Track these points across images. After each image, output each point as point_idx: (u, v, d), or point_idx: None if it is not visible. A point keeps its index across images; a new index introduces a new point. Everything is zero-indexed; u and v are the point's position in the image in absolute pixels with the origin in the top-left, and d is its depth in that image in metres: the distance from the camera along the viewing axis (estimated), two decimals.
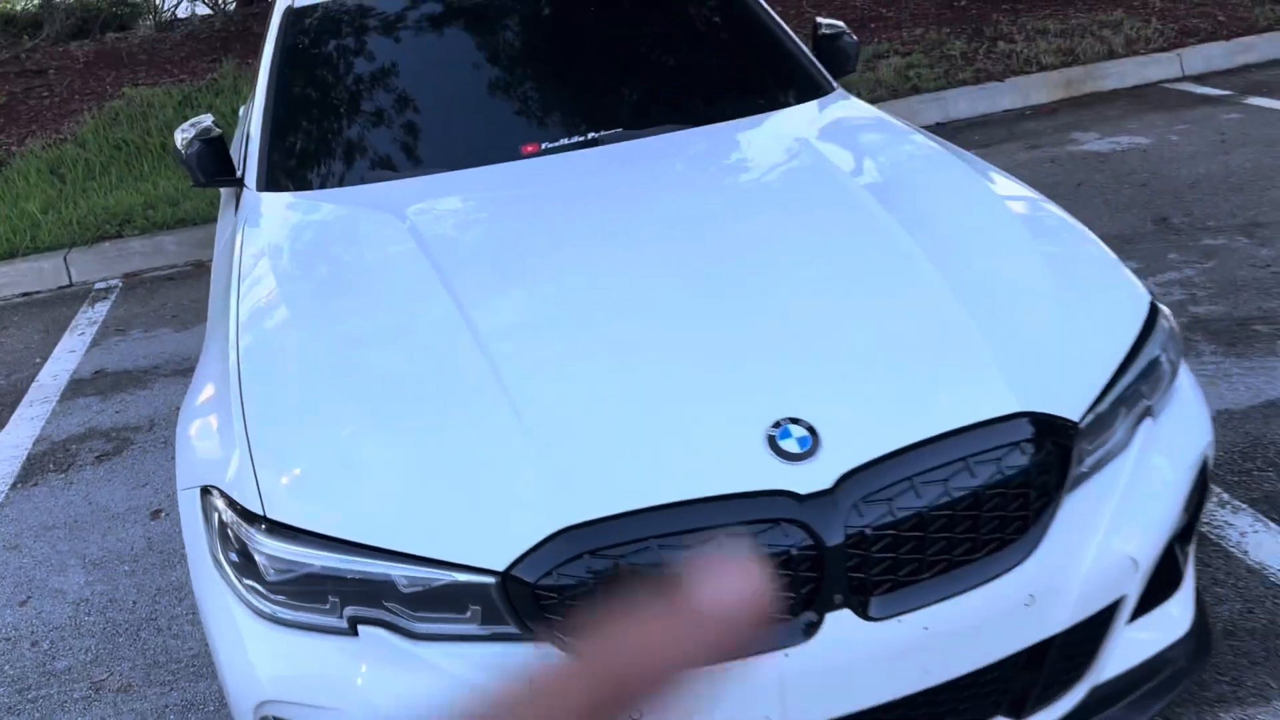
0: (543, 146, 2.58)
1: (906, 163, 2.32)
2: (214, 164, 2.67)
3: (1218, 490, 2.54)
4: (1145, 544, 1.68)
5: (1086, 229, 2.11)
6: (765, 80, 2.83)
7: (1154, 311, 1.90)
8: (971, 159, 2.39)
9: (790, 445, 1.57)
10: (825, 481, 1.54)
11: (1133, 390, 1.76)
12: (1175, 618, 1.86)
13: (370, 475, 1.60)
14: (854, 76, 5.97)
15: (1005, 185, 2.26)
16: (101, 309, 4.99)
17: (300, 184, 2.60)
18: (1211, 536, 2.41)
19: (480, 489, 1.55)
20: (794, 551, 1.52)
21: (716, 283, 1.88)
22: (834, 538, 1.52)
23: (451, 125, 2.72)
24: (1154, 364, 1.82)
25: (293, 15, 3.01)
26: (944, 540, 1.58)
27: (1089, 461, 1.71)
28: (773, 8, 4.46)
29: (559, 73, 2.81)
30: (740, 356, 1.71)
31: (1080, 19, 6.95)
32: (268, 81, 2.84)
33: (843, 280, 1.87)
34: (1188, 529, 1.85)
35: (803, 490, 1.54)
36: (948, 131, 5.75)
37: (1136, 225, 4.11)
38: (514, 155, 2.55)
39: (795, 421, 1.60)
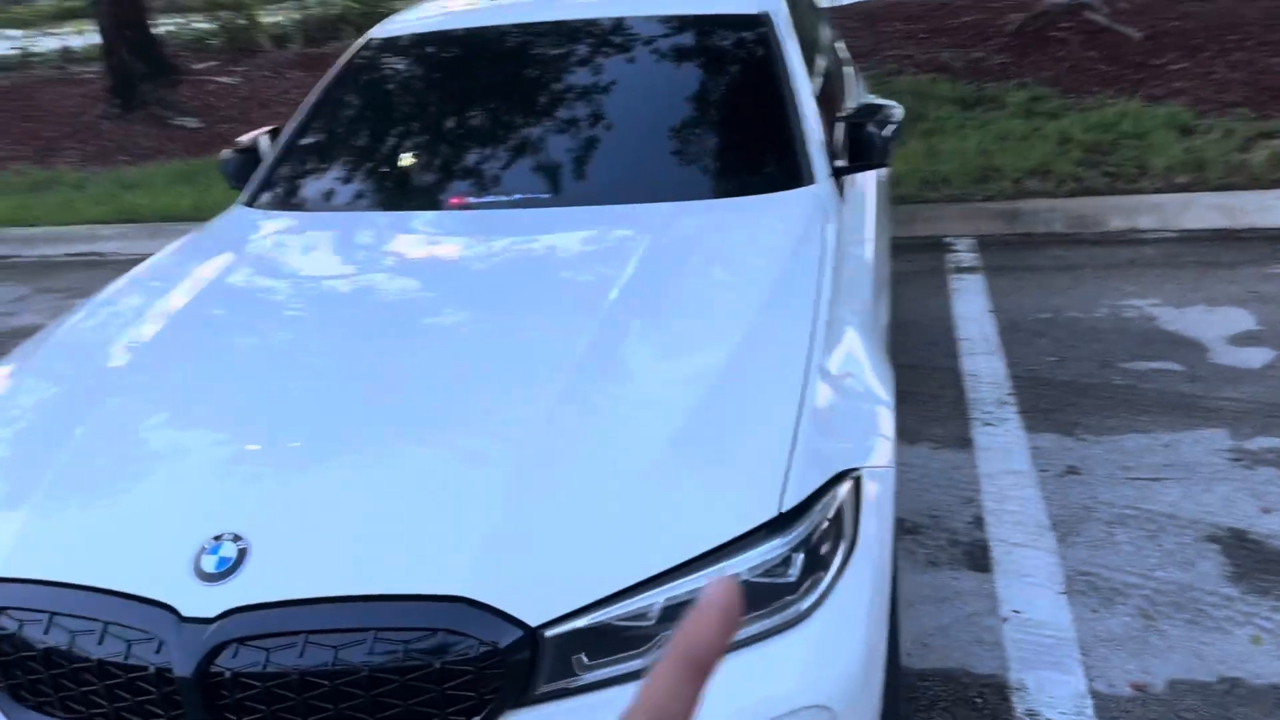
0: (467, 201, 2.67)
1: (718, 287, 2.15)
2: None
3: None
4: None
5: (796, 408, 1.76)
6: (728, 163, 2.78)
7: (787, 520, 1.59)
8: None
9: (209, 562, 1.53)
10: (211, 610, 1.49)
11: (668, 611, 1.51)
12: None
13: None
14: None
15: (849, 339, 2.03)
16: None
17: (275, 203, 2.79)
18: None
19: None
20: (151, 670, 1.50)
21: (371, 408, 1.84)
22: (184, 669, 1.48)
23: (412, 168, 2.88)
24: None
25: (361, 48, 3.24)
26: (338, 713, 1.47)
27: (587, 678, 1.51)
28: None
29: (538, 131, 2.86)
30: (274, 471, 1.72)
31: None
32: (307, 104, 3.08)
33: (450, 422, 1.79)
34: None
35: (186, 611, 1.50)
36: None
37: None
38: (437, 205, 2.70)
39: (236, 539, 1.55)
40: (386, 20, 3.38)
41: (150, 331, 2.18)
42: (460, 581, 1.50)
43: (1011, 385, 3.79)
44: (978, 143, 6.32)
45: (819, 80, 3.37)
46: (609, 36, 3.03)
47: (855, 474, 1.76)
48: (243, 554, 1.55)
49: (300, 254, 2.57)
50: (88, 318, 2.35)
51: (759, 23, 3.00)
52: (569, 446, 1.69)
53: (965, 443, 3.40)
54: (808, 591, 1.63)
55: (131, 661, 1.52)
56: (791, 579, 1.62)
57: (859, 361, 2.04)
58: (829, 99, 3.43)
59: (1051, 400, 3.65)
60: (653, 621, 1.54)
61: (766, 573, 1.60)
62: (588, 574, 1.53)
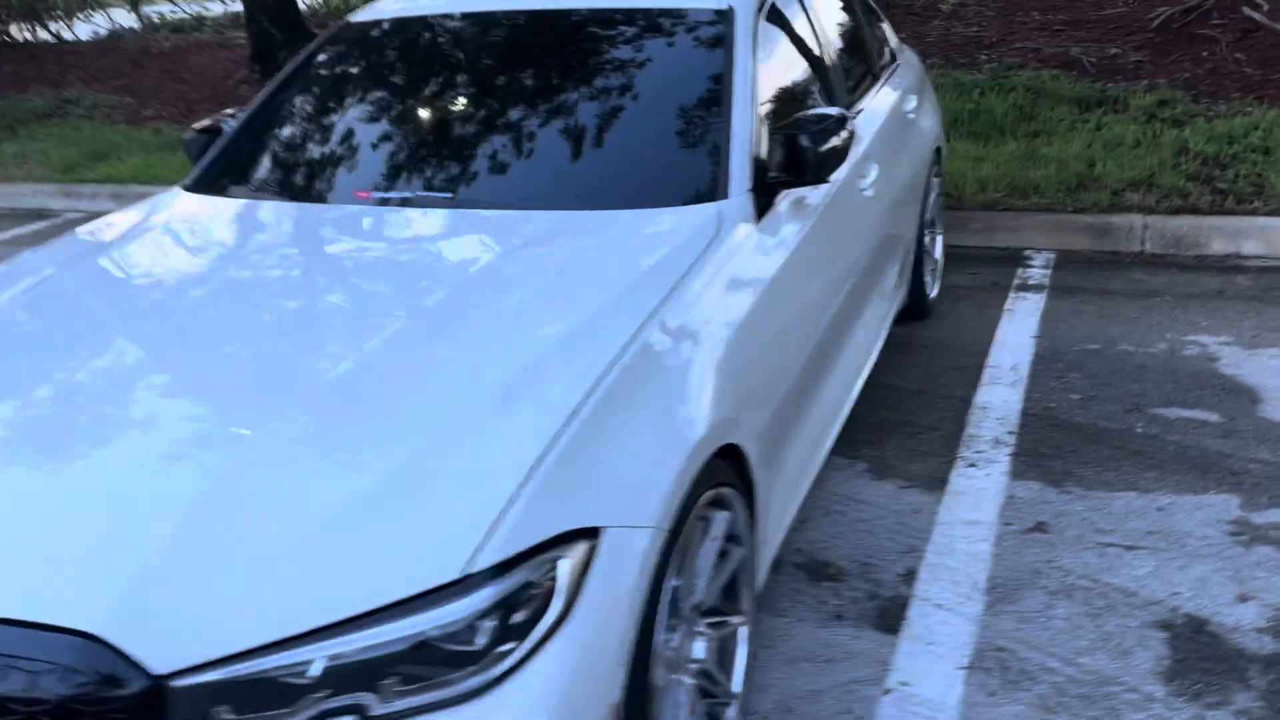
0: (372, 195, 2.60)
1: (534, 310, 2.02)
2: None
3: None
4: None
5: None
6: (636, 172, 2.58)
7: (476, 582, 1.46)
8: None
9: None
10: None
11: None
12: None
13: None
14: None
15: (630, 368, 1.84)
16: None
17: (202, 187, 2.84)
18: None
19: None
20: None
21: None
22: None
23: (333, 157, 2.84)
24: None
25: (327, 37, 3.25)
26: None
27: None
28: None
29: (457, 129, 2.77)
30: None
31: None
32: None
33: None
34: None
35: None
36: None
37: None
38: (347, 199, 2.63)
39: None
40: (366, 7, 3.35)
41: None
42: (93, 617, 1.44)
43: (1018, 423, 3.46)
44: (1082, 148, 5.82)
45: (809, 78, 3.15)
46: (554, 29, 2.90)
47: (594, 534, 1.60)
48: None
49: (165, 241, 2.59)
50: None
51: (718, 20, 2.80)
52: (265, 480, 1.61)
53: (937, 484, 3.12)
54: (492, 664, 1.50)
55: None
56: (476, 648, 1.49)
57: (668, 404, 1.86)
58: (830, 97, 3.19)
59: (1054, 445, 3.31)
60: (311, 679, 1.44)
61: (449, 637, 1.48)
62: (238, 622, 1.44)
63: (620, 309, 1.99)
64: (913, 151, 3.91)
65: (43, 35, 12.12)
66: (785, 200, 2.61)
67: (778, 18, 3.09)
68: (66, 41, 12.11)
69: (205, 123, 3.14)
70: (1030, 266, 5.02)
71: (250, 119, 3.04)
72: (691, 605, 1.98)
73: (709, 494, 1.94)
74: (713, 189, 2.44)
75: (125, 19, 12.81)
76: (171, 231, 2.63)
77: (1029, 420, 3.48)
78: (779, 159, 2.54)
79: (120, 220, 2.75)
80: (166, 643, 1.43)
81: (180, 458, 1.70)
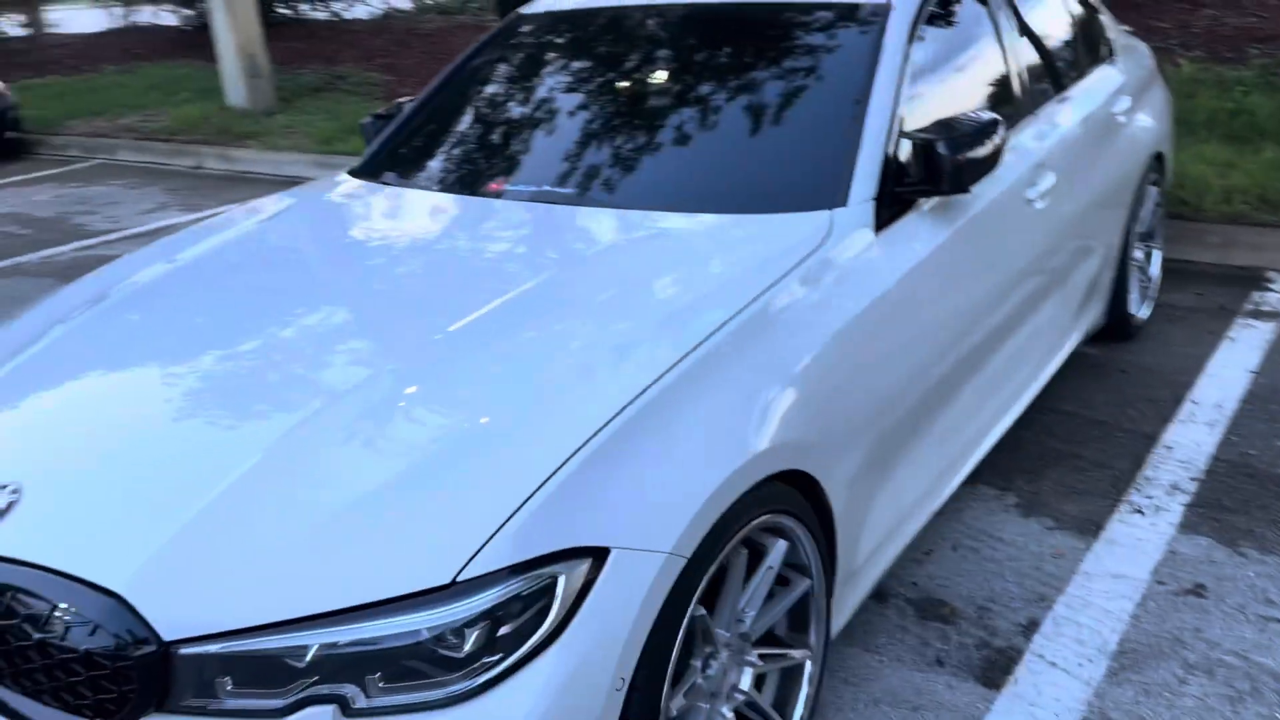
0: (504, 189, 2.61)
1: (599, 313, 1.97)
2: None
3: None
4: None
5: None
6: (759, 175, 2.46)
7: (463, 589, 1.46)
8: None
9: None
10: None
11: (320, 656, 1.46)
12: None
13: None
14: None
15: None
16: None
17: (366, 173, 2.98)
18: None
19: None
20: None
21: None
22: None
23: (475, 150, 2.89)
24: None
25: (499, 28, 3.33)
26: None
27: (230, 704, 1.48)
28: None
29: (594, 126, 2.76)
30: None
31: None
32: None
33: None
34: None
35: None
36: None
37: None
38: (481, 190, 2.66)
39: (5, 488, 1.70)
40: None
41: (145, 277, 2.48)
42: (122, 579, 1.54)
43: (1205, 469, 3.09)
44: None
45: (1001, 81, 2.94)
46: (701, 23, 2.83)
47: (603, 553, 1.55)
48: (10, 506, 1.70)
49: (310, 220, 2.74)
50: (148, 249, 2.69)
51: (873, 16, 2.64)
52: (305, 461, 1.67)
53: (1091, 529, 2.84)
54: (476, 673, 1.48)
55: None
56: (460, 655, 1.48)
57: (716, 423, 1.77)
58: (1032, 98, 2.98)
59: (1241, 498, 2.93)
60: (303, 663, 1.49)
61: (435, 640, 1.48)
62: (246, 600, 1.50)
63: (688, 319, 1.92)
64: (1118, 157, 3.56)
65: (325, 15, 13.16)
66: (919, 210, 2.44)
67: (948, 14, 2.88)
68: (345, 20, 13.10)
69: (381, 110, 3.30)
70: (1269, 290, 4.47)
71: (414, 110, 3.16)
72: (738, 634, 1.90)
73: (762, 520, 1.85)
74: (831, 195, 2.31)
75: (399, 0, 13.71)
76: (319, 211, 2.78)
77: (1219, 467, 3.10)
78: (917, 166, 2.37)
79: (287, 198, 2.93)
80: (179, 611, 1.51)
81: (247, 427, 1.80)
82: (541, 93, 2.97)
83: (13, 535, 1.65)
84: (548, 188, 2.57)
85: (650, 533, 1.60)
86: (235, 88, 10.06)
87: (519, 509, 1.54)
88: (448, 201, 2.66)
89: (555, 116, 2.84)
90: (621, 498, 1.61)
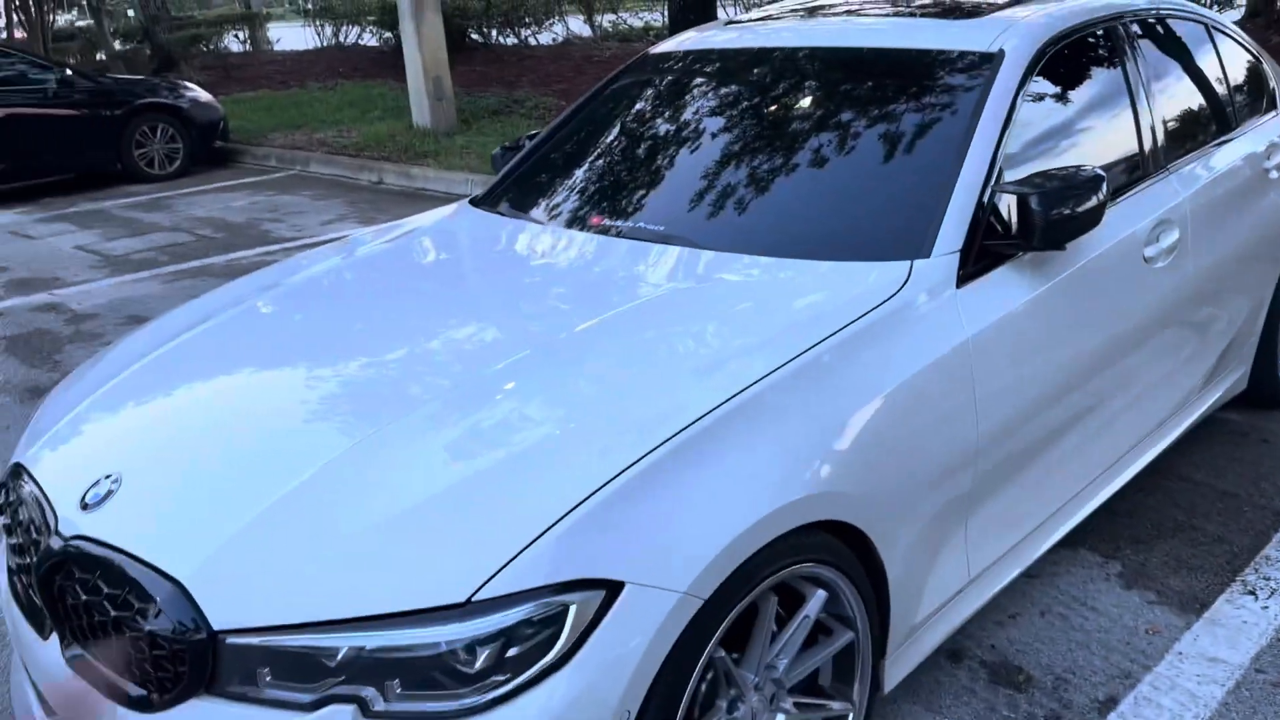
0: (604, 223, 2.71)
1: (655, 352, 2.03)
2: None
3: None
4: None
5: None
6: (846, 221, 2.45)
7: (476, 609, 1.55)
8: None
9: (90, 494, 1.91)
10: (66, 530, 1.87)
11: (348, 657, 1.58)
12: None
13: None
14: None
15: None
16: None
17: (487, 203, 3.13)
18: None
19: None
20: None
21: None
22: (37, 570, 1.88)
23: (581, 185, 2.99)
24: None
25: (625, 66, 3.45)
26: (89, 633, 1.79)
27: (269, 694, 1.60)
28: None
29: (691, 165, 2.81)
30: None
31: None
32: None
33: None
34: None
35: (61, 528, 1.89)
36: None
37: None
38: (576, 224, 2.76)
39: (109, 477, 1.92)
40: (671, 38, 3.48)
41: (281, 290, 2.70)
42: (187, 568, 1.70)
43: None
44: None
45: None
46: (815, 70, 2.84)
47: (617, 586, 1.60)
48: (109, 494, 1.90)
49: (423, 244, 2.89)
50: (300, 258, 2.94)
51: (981, 64, 2.60)
52: (364, 467, 1.79)
53: (1195, 607, 2.69)
54: (483, 690, 1.56)
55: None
56: (472, 670, 1.56)
57: (750, 468, 1.79)
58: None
59: None
60: (333, 663, 1.60)
61: (451, 655, 1.57)
62: (289, 598, 1.63)
63: (738, 363, 1.95)
64: (1266, 215, 3.35)
65: (511, 40, 13.71)
66: (1013, 264, 2.38)
67: (1070, 62, 2.80)
68: (528, 46, 13.61)
69: (509, 142, 3.46)
70: None
71: (534, 146, 3.30)
72: (770, 679, 1.91)
73: (799, 568, 1.86)
74: (914, 245, 2.28)
75: (581, 28, 14.14)
76: (435, 236, 2.95)
77: None
78: (1010, 219, 2.32)
79: (413, 222, 3.12)
80: (230, 604, 1.65)
81: (323, 432, 1.94)
82: (646, 133, 3.05)
83: (107, 521, 1.84)
84: (642, 224, 2.64)
85: (667, 571, 1.64)
86: (420, 108, 10.62)
87: (541, 535, 1.61)
88: (542, 232, 2.77)
89: (655, 157, 2.92)
90: (643, 533, 1.66)
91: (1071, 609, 2.72)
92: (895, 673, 2.18)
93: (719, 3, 10.31)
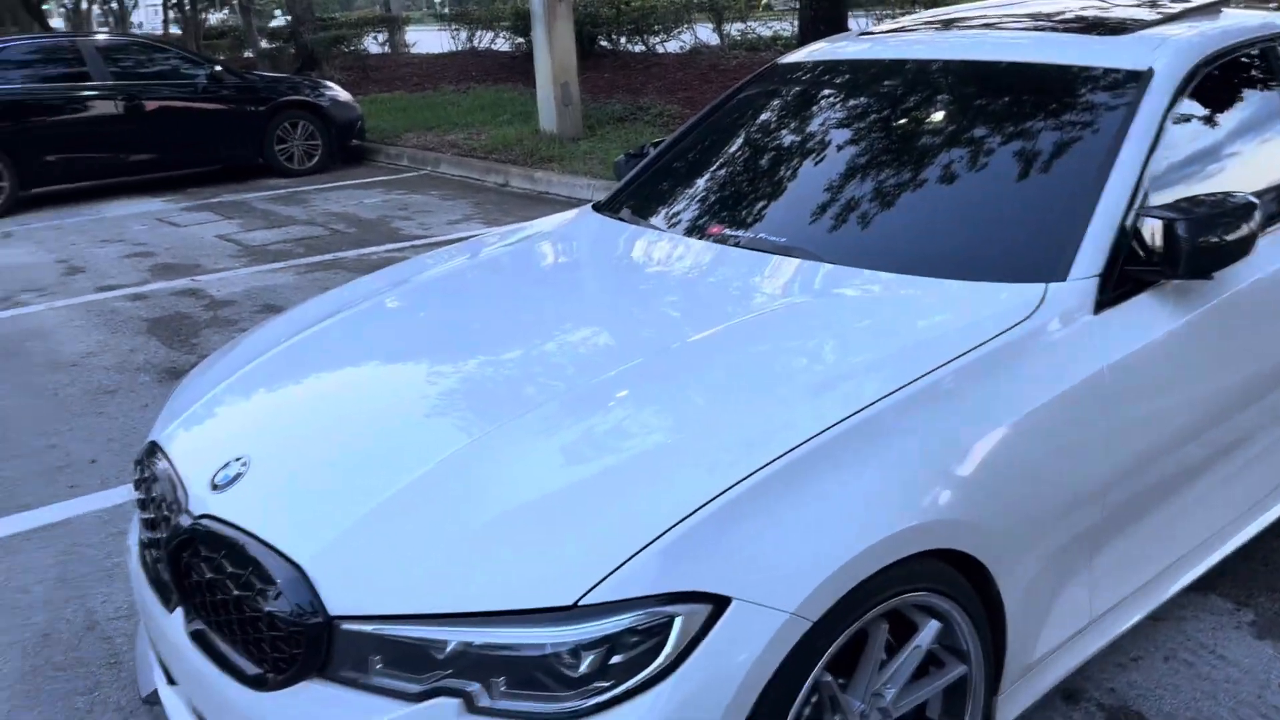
0: (724, 232, 2.69)
1: (782, 361, 2.03)
2: None
3: None
4: None
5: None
6: (979, 239, 2.37)
7: (580, 614, 1.55)
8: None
9: (220, 475, 2.00)
10: (196, 509, 1.97)
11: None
12: None
13: None
14: None
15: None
16: None
17: (609, 208, 3.14)
18: None
19: None
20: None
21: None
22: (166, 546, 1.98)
23: (703, 195, 2.98)
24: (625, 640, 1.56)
25: (752, 76, 3.44)
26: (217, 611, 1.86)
27: (378, 681, 1.64)
28: None
29: (819, 178, 2.76)
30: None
31: None
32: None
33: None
34: None
35: (191, 506, 1.99)
36: None
37: None
38: (700, 233, 2.76)
39: (238, 460, 2.01)
40: (802, 48, 3.45)
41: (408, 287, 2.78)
42: (308, 552, 1.75)
43: None
44: None
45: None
46: (953, 84, 2.77)
47: (721, 600, 1.58)
48: (238, 476, 1.97)
49: (548, 246, 2.93)
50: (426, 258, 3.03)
51: (1128, 82, 2.50)
52: (484, 463, 1.82)
53: None
54: (586, 695, 1.56)
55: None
56: (574, 674, 1.56)
57: (863, 490, 1.75)
58: None
59: None
60: (442, 655, 1.62)
61: (555, 658, 1.57)
62: (403, 588, 1.66)
63: (857, 382, 1.91)
64: None
65: (638, 48, 13.80)
66: (1157, 290, 2.28)
67: (1223, 83, 2.67)
68: (655, 54, 13.67)
69: (632, 149, 3.48)
70: None
71: (660, 152, 3.31)
72: (877, 708, 1.87)
73: (912, 596, 1.81)
74: (1050, 268, 2.20)
75: (709, 36, 14.14)
76: (557, 240, 2.98)
77: None
78: (1157, 245, 2.22)
79: (536, 225, 3.17)
80: (347, 590, 1.69)
81: (448, 426, 2.00)
82: (771, 144, 3.03)
83: (235, 502, 1.91)
84: (764, 235, 2.62)
85: (775, 590, 1.62)
86: (548, 113, 10.77)
87: (649, 544, 1.61)
88: (661, 239, 2.78)
89: (779, 168, 2.89)
90: (753, 549, 1.64)
91: (1199, 656, 2.58)
92: (1008, 710, 2.11)
93: (850, 14, 10.18)
